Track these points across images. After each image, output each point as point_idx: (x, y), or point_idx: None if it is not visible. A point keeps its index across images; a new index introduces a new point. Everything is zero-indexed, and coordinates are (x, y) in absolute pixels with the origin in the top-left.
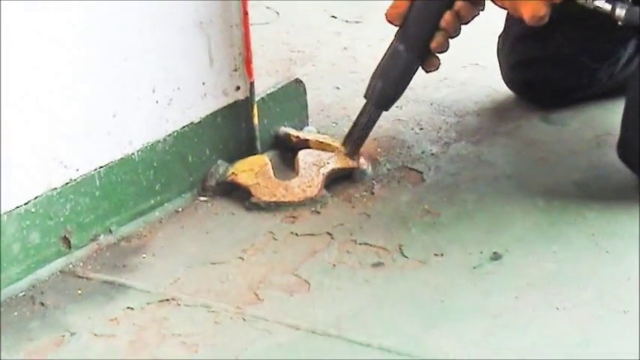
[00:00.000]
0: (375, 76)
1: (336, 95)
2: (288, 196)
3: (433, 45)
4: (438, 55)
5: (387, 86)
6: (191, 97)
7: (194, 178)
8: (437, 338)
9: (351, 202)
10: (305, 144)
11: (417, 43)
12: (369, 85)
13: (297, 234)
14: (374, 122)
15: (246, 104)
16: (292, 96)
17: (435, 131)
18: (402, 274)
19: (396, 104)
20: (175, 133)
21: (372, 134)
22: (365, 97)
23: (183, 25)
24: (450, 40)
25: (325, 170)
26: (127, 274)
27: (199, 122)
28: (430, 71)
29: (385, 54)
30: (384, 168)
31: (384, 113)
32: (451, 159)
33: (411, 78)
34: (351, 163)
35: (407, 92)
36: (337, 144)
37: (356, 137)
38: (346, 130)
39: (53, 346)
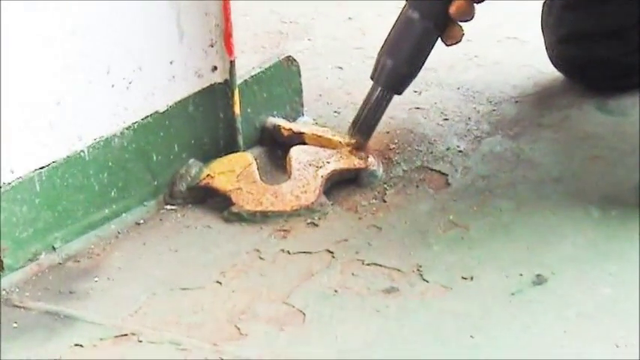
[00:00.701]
0: (384, 52)
1: (338, 77)
2: (278, 205)
3: (453, 10)
4: (460, 23)
5: (398, 64)
6: (155, 80)
7: (159, 182)
8: None
9: (358, 212)
10: (299, 138)
11: (434, 8)
12: (377, 64)
13: (289, 252)
14: (384, 109)
15: (224, 89)
16: (283, 78)
17: (462, 122)
18: (421, 303)
19: (413, 88)
20: (135, 126)
21: (384, 127)
22: (372, 78)
23: None
24: (476, 6)
25: (324, 172)
26: (75, 302)
27: (166, 111)
28: (451, 44)
29: (395, 24)
30: (398, 169)
31: (398, 99)
32: (483, 158)
33: (428, 53)
34: (357, 163)
35: (428, 74)
36: (340, 138)
37: (363, 128)
38: (351, 120)
39: None
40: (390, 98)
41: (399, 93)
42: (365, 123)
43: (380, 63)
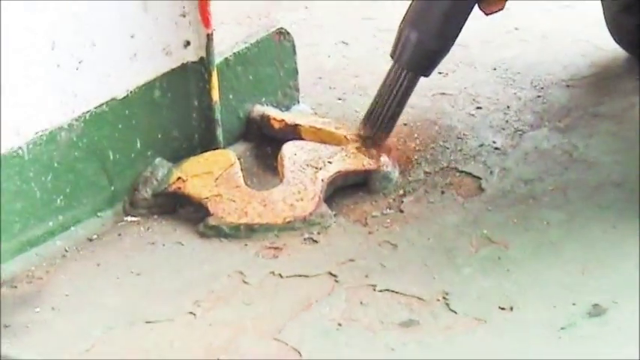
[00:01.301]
0: (407, 22)
1: (343, 55)
2: (268, 216)
3: None
4: None
5: (425, 38)
6: (112, 59)
7: (117, 187)
8: None
9: (367, 225)
10: (294, 132)
11: None
12: (398, 38)
13: (281, 275)
14: (407, 95)
15: (200, 69)
16: (273, 56)
17: (500, 112)
18: (447, 339)
19: (438, 69)
20: (87, 116)
21: (402, 117)
22: (392, 56)
23: None
24: None
25: (326, 174)
26: (11, 339)
27: (125, 98)
28: (491, 13)
29: None
30: (419, 171)
31: (419, 83)
32: (526, 156)
33: (462, 24)
34: (366, 163)
35: (456, 51)
36: (345, 132)
37: (381, 120)
38: (360, 109)
39: None
40: (415, 81)
41: (427, 74)
42: (384, 113)
43: (402, 37)
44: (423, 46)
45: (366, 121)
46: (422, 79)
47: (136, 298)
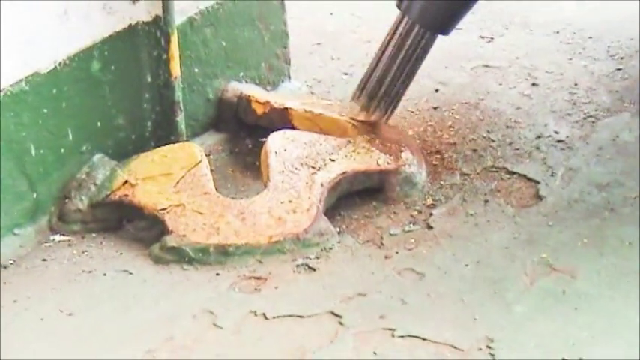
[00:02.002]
0: None
1: (351, 12)
2: (248, 234)
3: None
4: None
5: None
6: (34, 19)
7: (41, 195)
8: None
9: (383, 247)
10: (282, 118)
11: None
12: None
13: (265, 315)
14: (419, 61)
15: (154, 32)
16: (255, 14)
17: (564, 91)
18: None
19: (479, 31)
20: (1, 96)
21: (430, 98)
22: (399, 7)
23: None
24: None
25: (327, 176)
26: None
27: (52, 72)
28: None
29: None
30: (454, 172)
31: (451, 51)
32: (599, 152)
33: None
34: (383, 161)
35: (503, 6)
36: (349, 118)
37: (380, 93)
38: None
39: None
40: (431, 42)
41: (445, 32)
42: (385, 84)
43: None
44: None
45: (358, 95)
46: (450, 44)
47: (66, 348)
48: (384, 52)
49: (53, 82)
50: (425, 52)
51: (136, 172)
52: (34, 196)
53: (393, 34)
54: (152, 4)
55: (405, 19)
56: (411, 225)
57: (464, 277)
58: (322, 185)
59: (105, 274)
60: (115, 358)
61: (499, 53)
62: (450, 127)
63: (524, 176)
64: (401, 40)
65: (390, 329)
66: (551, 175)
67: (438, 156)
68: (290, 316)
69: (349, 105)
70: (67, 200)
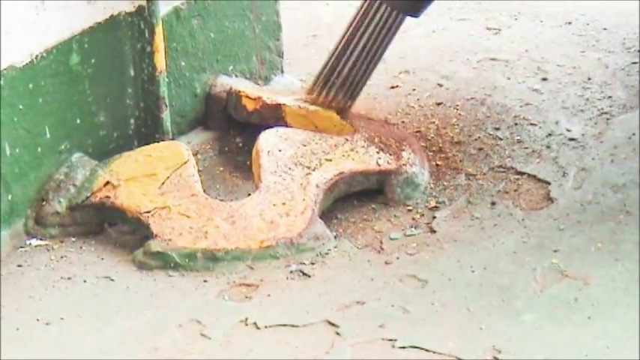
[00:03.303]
0: None
1: (348, 2)
2: (237, 238)
3: None
4: None
5: None
6: (9, 9)
7: (16, 197)
8: None
9: (383, 252)
10: (275, 115)
11: None
12: None
13: (256, 325)
14: (385, 44)
15: (138, 24)
16: (246, 4)
17: (576, 85)
18: None
19: (485, 22)
20: None
21: (432, 92)
22: None
23: None
24: None
25: (323, 176)
26: None
27: (28, 66)
28: None
29: None
30: (459, 172)
31: (456, 42)
32: (613, 151)
33: None
34: (382, 161)
35: None
36: (339, 117)
37: (341, 80)
38: (372, 83)
39: None
40: (398, 24)
41: (416, 14)
42: (346, 68)
43: None
44: None
45: (318, 82)
46: (452, 37)
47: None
48: (347, 35)
49: (29, 76)
50: (392, 34)
51: (118, 173)
52: (9, 197)
53: (356, 16)
54: None
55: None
56: (413, 229)
57: (469, 284)
58: (318, 186)
59: (85, 281)
60: None
61: (507, 45)
62: (455, 124)
63: (534, 177)
64: (367, 22)
65: (390, 340)
66: (563, 176)
67: (442, 155)
68: (283, 325)
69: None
70: (44, 202)
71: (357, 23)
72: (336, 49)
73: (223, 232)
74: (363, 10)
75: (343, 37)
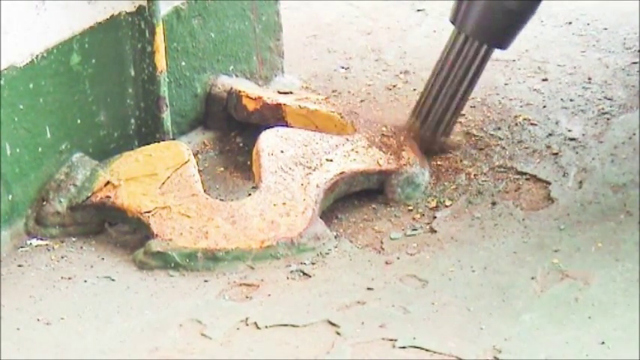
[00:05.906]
0: None
1: (349, 2)
2: (238, 238)
3: None
4: None
5: None
6: (9, 9)
7: (17, 196)
8: None
9: (384, 251)
10: (276, 115)
11: None
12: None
13: (257, 325)
14: (477, 76)
15: (138, 23)
16: (246, 4)
17: (577, 86)
18: None
19: None
20: None
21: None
22: (452, 21)
23: None
24: None
25: (323, 176)
26: None
27: (29, 66)
28: None
29: None
30: (459, 172)
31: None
32: (614, 151)
33: None
34: (383, 161)
35: None
36: (339, 116)
37: (440, 115)
38: (373, 82)
39: None
40: (487, 57)
41: (503, 47)
42: (444, 106)
43: None
44: (500, 6)
45: (415, 118)
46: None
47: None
48: (440, 72)
49: (30, 76)
50: (481, 67)
51: (119, 173)
52: (10, 197)
53: (447, 52)
54: None
55: (460, 35)
56: (413, 229)
57: (469, 284)
58: (318, 186)
59: (85, 281)
60: None
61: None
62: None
63: (535, 176)
64: (455, 57)
65: (390, 340)
66: (564, 176)
67: (442, 155)
68: (283, 325)
69: (408, 124)
70: (44, 202)
71: (450, 62)
72: (429, 87)
73: (224, 232)
74: (453, 47)
75: (437, 75)
